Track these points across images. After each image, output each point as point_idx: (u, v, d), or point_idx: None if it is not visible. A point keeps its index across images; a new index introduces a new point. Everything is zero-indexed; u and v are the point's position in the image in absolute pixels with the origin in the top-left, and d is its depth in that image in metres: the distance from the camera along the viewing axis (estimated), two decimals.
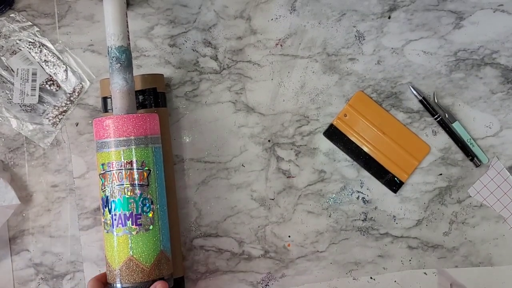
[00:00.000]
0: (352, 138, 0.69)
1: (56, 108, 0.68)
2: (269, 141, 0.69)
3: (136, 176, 0.56)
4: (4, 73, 0.68)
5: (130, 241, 0.55)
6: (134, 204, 0.55)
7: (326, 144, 0.69)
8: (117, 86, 0.57)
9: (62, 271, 0.67)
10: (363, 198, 0.69)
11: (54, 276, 0.67)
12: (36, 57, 0.68)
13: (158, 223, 0.57)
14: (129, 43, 0.58)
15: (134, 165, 0.56)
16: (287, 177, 0.69)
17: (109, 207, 0.56)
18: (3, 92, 0.68)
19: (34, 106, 0.68)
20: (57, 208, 0.68)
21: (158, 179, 0.57)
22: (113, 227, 0.56)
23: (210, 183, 0.68)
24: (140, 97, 0.63)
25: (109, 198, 0.56)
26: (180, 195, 0.68)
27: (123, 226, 0.55)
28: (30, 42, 0.68)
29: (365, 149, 0.69)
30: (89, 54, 0.69)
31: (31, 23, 0.68)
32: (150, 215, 0.56)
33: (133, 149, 0.56)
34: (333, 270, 0.69)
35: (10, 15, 0.68)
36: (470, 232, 0.70)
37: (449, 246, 0.69)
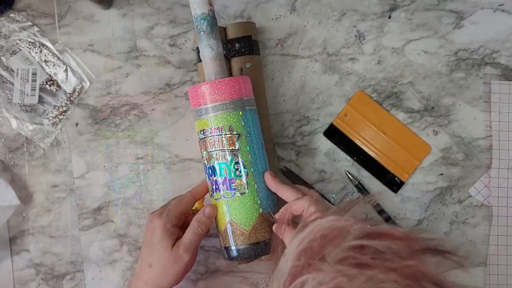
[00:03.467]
0: (353, 138, 0.69)
1: (56, 108, 0.68)
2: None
3: (225, 141, 0.56)
4: (4, 73, 0.68)
5: (227, 205, 0.57)
6: (227, 170, 0.56)
7: (326, 144, 0.69)
8: (204, 54, 0.58)
9: (62, 271, 0.67)
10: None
11: (54, 276, 0.67)
12: (36, 57, 0.68)
13: (254, 187, 0.57)
14: (211, 9, 0.58)
15: (223, 131, 0.56)
16: (288, 177, 0.69)
17: (208, 173, 0.58)
18: (3, 92, 0.68)
19: (34, 106, 0.68)
20: (57, 208, 0.68)
21: (251, 142, 0.58)
22: (213, 193, 0.58)
23: None
24: (237, 45, 0.64)
25: (206, 164, 0.58)
26: None
27: (220, 191, 0.57)
28: (30, 42, 0.68)
29: (366, 149, 0.69)
30: (89, 54, 0.68)
31: (31, 23, 0.68)
32: (244, 179, 0.57)
33: (220, 115, 0.56)
34: None
35: (10, 15, 0.68)
36: (471, 232, 0.69)
37: (450, 246, 0.69)
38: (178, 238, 0.57)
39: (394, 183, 0.69)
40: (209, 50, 0.57)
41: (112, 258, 0.67)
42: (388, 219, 0.68)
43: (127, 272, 0.67)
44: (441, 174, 0.69)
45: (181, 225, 0.59)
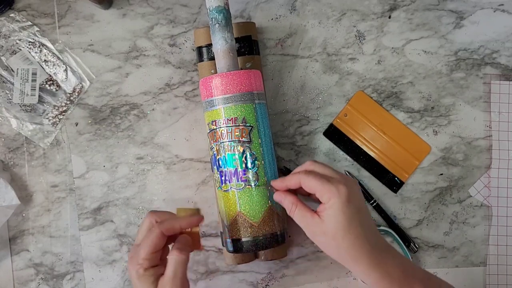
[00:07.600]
0: (353, 138, 0.69)
1: (56, 108, 0.68)
2: None
3: (238, 133, 0.56)
4: (4, 73, 0.68)
5: (237, 197, 0.56)
6: (238, 161, 0.56)
7: (326, 144, 0.69)
8: (218, 46, 0.58)
9: (62, 271, 0.67)
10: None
11: (54, 276, 0.67)
12: (36, 57, 0.68)
13: (264, 179, 0.57)
14: (227, 3, 0.58)
15: (236, 122, 0.56)
16: None
17: (217, 165, 0.58)
18: (3, 92, 0.68)
19: (34, 106, 0.68)
20: (57, 208, 0.68)
21: (262, 135, 0.58)
22: (221, 184, 0.57)
23: (210, 183, 0.68)
24: (237, 45, 0.63)
25: (216, 155, 0.57)
26: (180, 195, 0.68)
27: (229, 182, 0.57)
28: (30, 42, 0.68)
29: (365, 149, 0.69)
30: (89, 54, 0.68)
31: (31, 23, 0.68)
32: (255, 171, 0.57)
33: (233, 106, 0.56)
34: (333, 270, 0.69)
35: (10, 15, 0.68)
36: (471, 232, 0.70)
37: (450, 246, 0.69)
38: (161, 274, 0.51)
39: (394, 183, 0.69)
40: (223, 43, 0.57)
41: (112, 258, 0.68)
42: (388, 219, 0.68)
43: (126, 272, 0.67)
44: (441, 174, 0.69)
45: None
